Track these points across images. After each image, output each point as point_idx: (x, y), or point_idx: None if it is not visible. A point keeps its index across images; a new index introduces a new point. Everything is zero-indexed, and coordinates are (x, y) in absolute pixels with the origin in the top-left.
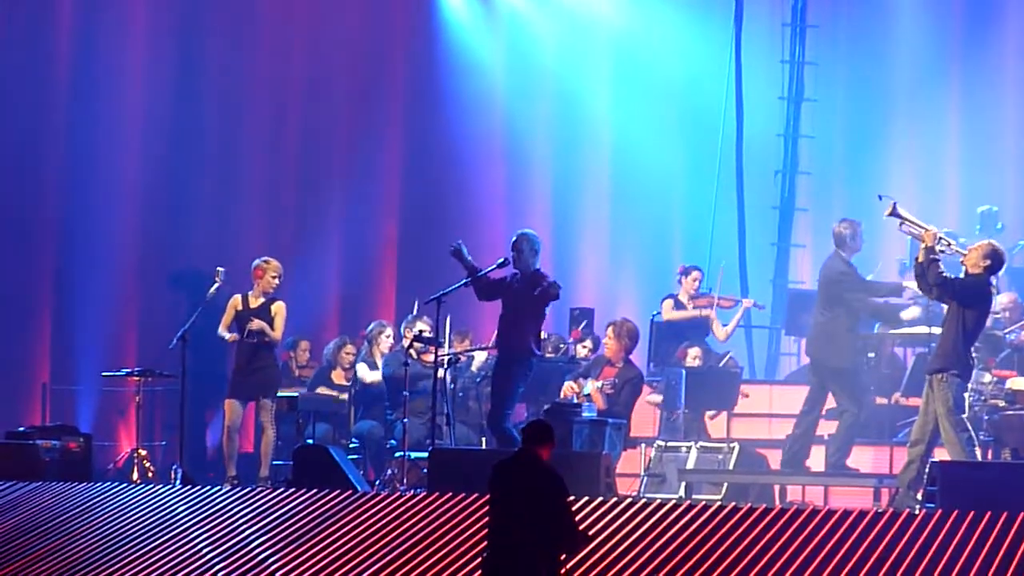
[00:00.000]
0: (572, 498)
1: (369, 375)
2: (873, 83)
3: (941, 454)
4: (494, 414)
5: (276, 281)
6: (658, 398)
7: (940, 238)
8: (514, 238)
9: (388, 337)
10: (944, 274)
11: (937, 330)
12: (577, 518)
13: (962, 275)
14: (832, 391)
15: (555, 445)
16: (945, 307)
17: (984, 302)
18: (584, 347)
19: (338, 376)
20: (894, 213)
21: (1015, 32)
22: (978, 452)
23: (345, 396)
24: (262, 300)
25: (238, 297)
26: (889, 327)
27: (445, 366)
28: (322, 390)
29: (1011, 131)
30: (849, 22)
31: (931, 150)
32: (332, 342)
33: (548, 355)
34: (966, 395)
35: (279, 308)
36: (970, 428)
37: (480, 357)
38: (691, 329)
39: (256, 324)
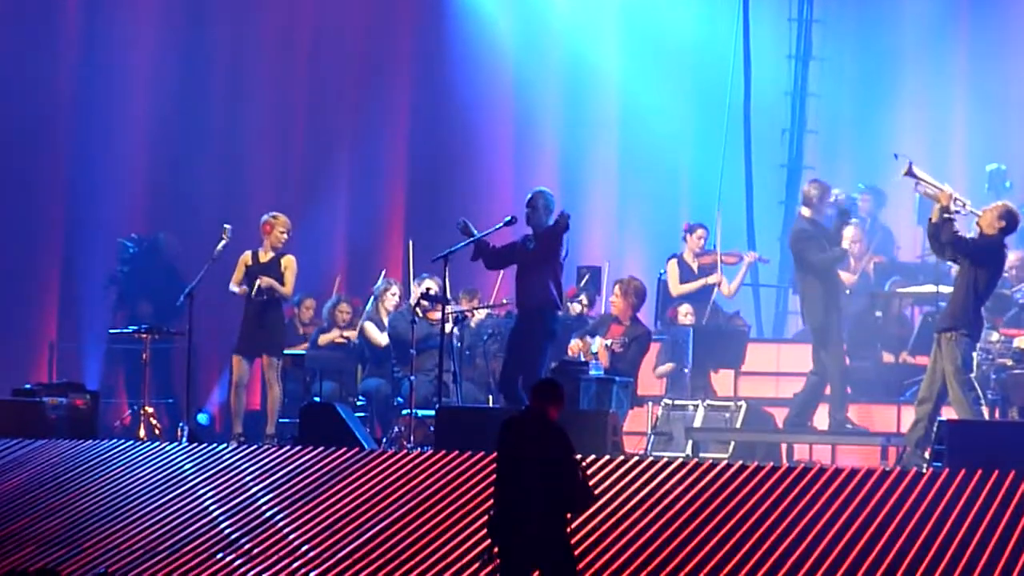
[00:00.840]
0: (580, 456)
1: (377, 336)
2: (881, 41)
3: (948, 413)
4: (507, 374)
5: (285, 236)
6: (667, 368)
7: (955, 198)
8: (530, 195)
9: (394, 295)
10: (959, 233)
11: (946, 289)
12: (587, 476)
13: (975, 235)
14: (816, 348)
15: (564, 404)
16: (956, 266)
17: (998, 262)
18: (580, 303)
19: (333, 336)
20: (910, 172)
21: None
22: (985, 411)
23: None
24: (272, 255)
25: (248, 253)
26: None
27: (452, 324)
28: (325, 338)
29: (1020, 89)
30: None
31: (939, 109)
32: (328, 301)
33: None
34: (974, 354)
35: (289, 262)
36: (977, 387)
37: (479, 315)
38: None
39: (265, 282)
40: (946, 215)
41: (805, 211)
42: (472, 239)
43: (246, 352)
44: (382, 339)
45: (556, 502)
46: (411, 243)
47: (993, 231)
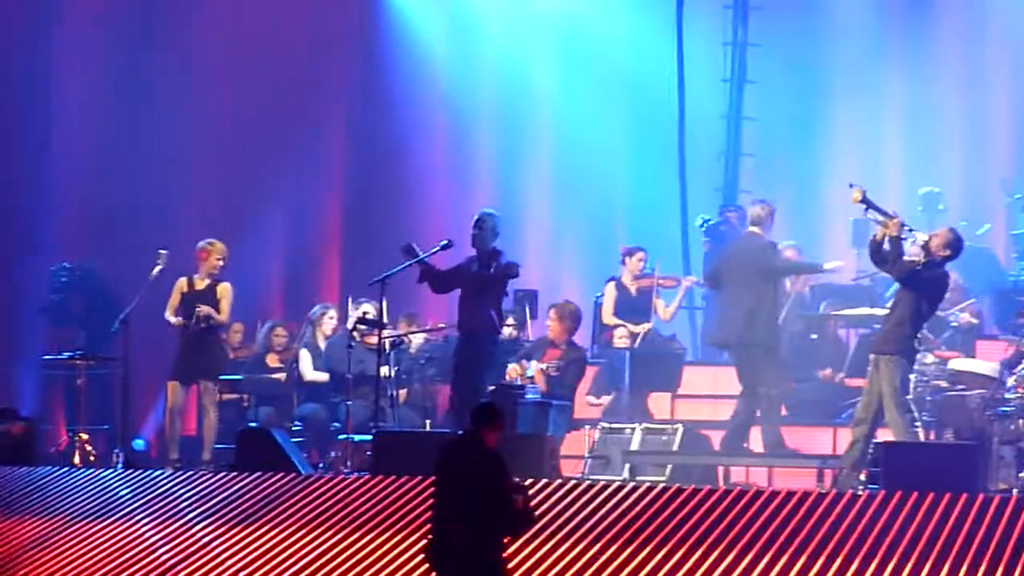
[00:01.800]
0: (527, 481)
1: (310, 372)
2: (815, 64)
3: (884, 434)
4: (455, 398)
5: (220, 263)
6: (601, 401)
7: (905, 226)
8: (477, 216)
9: (332, 319)
10: (907, 261)
11: (879, 311)
12: (529, 499)
13: (921, 258)
14: (758, 371)
15: (503, 428)
16: (897, 288)
17: (942, 291)
18: (508, 326)
19: (272, 360)
20: (864, 200)
21: (956, 12)
22: (920, 433)
23: (283, 376)
24: (207, 282)
25: (183, 280)
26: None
27: (388, 349)
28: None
29: (952, 112)
30: (791, 4)
31: (873, 131)
32: (263, 328)
33: None
34: (911, 377)
35: (225, 290)
36: (914, 409)
37: (417, 340)
38: (633, 310)
39: (203, 310)
40: (898, 244)
41: (756, 230)
42: (413, 260)
43: (182, 378)
44: (311, 374)
45: (491, 526)
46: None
47: (939, 257)
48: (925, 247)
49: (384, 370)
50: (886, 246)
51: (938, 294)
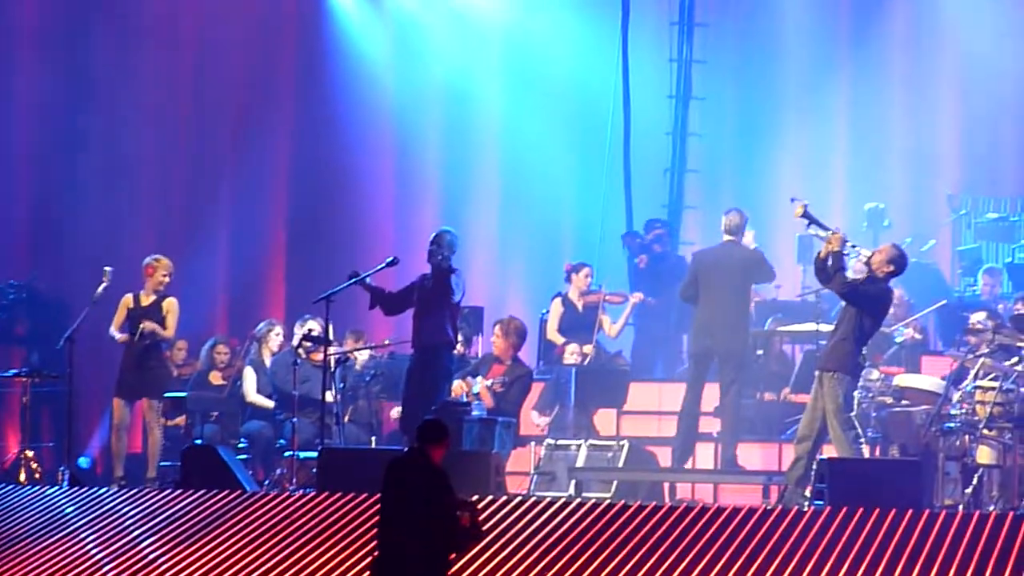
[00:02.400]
0: (474, 497)
1: (253, 395)
2: (761, 81)
3: (828, 451)
4: (410, 414)
5: (166, 279)
6: (545, 420)
7: (846, 241)
8: (435, 233)
9: (278, 335)
10: (849, 278)
11: (825, 327)
12: (477, 514)
13: (863, 276)
14: (731, 379)
15: (449, 444)
16: (842, 305)
17: (884, 306)
18: (461, 344)
19: (215, 377)
20: (805, 215)
21: (901, 30)
22: (865, 449)
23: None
24: (153, 298)
25: (129, 296)
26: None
27: (334, 366)
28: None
29: (898, 129)
30: (736, 20)
31: (819, 147)
32: (205, 345)
33: None
34: (855, 393)
35: (171, 305)
36: (857, 426)
37: (362, 357)
38: (580, 326)
39: (148, 326)
40: (839, 259)
41: (733, 238)
42: (357, 279)
43: (126, 395)
44: (254, 396)
45: (437, 543)
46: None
47: (882, 273)
48: (868, 263)
49: (329, 395)
50: (829, 261)
51: (881, 310)
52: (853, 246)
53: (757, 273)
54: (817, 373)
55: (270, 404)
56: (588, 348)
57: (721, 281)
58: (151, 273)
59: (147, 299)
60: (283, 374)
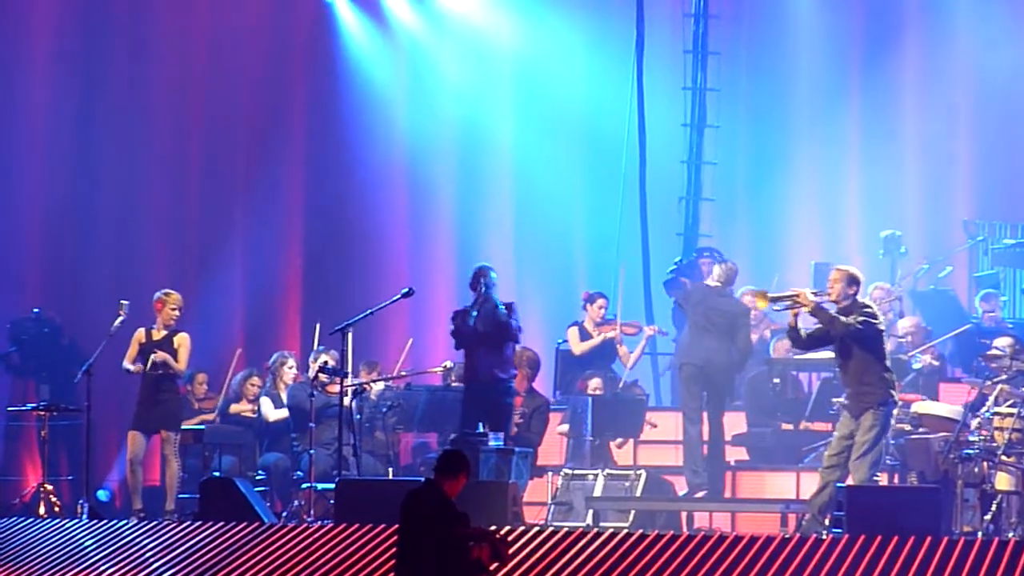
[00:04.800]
0: (492, 527)
1: (273, 413)
2: (775, 109)
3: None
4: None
5: (176, 313)
6: (565, 427)
7: (814, 293)
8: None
9: (291, 368)
10: (834, 316)
11: None
12: (500, 541)
13: (836, 310)
14: (718, 419)
15: (467, 476)
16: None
17: (870, 322)
18: None
19: (242, 407)
20: (772, 299)
21: (914, 57)
22: (883, 478)
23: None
24: (165, 333)
25: (141, 331)
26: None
27: (350, 397)
28: (236, 408)
29: (912, 155)
30: (750, 49)
31: (833, 175)
32: (240, 373)
33: (453, 384)
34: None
35: (182, 340)
36: (882, 463)
37: (377, 388)
38: (597, 356)
39: (160, 356)
40: (818, 307)
41: (724, 287)
42: (369, 312)
43: (143, 428)
44: (280, 414)
45: (448, 575)
46: (318, 325)
47: (848, 300)
48: (834, 301)
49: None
50: (805, 323)
51: (872, 327)
52: (817, 293)
53: (744, 319)
54: (857, 419)
55: (285, 412)
56: (616, 332)
57: (720, 325)
58: (160, 308)
59: (159, 334)
60: (301, 403)
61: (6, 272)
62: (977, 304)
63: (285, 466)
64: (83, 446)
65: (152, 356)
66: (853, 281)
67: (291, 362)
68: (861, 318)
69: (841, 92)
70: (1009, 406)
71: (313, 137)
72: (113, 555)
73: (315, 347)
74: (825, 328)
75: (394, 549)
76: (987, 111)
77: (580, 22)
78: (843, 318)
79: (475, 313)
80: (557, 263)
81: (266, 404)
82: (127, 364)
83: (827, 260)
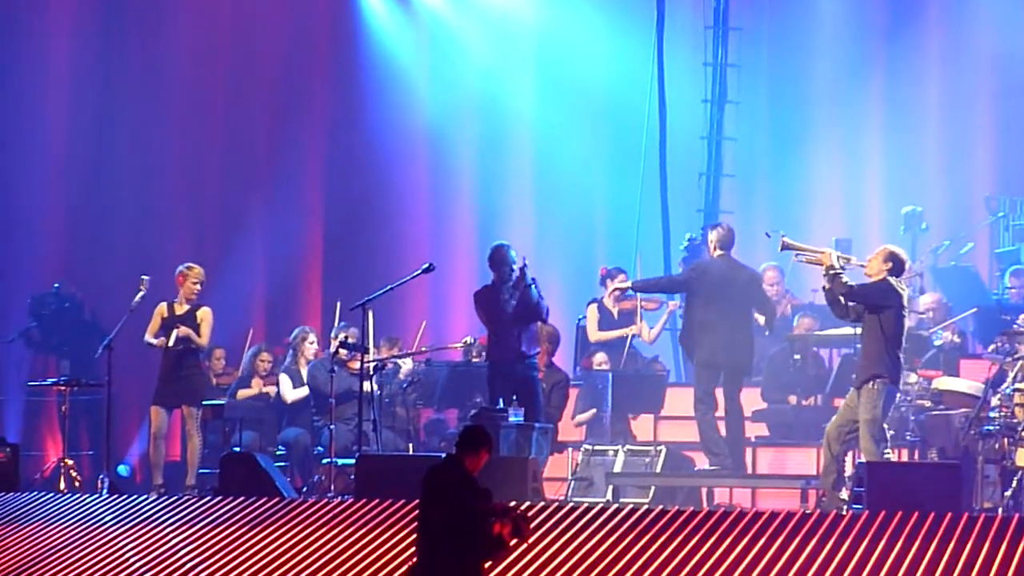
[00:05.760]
0: (513, 503)
1: (291, 393)
2: (796, 85)
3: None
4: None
5: (197, 287)
6: (588, 415)
7: (838, 256)
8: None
9: (312, 344)
10: (849, 284)
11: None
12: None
13: (865, 283)
14: (735, 393)
15: (488, 451)
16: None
17: (892, 300)
18: None
19: (256, 384)
20: (786, 247)
21: (937, 32)
22: (892, 456)
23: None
24: (187, 307)
25: (164, 305)
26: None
27: (371, 373)
28: (244, 393)
29: (934, 131)
30: (771, 24)
31: (854, 151)
32: (248, 351)
33: (474, 359)
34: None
35: (205, 314)
36: (888, 437)
37: (407, 365)
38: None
39: (183, 330)
40: (832, 272)
41: (725, 252)
42: (390, 287)
43: (165, 403)
44: (299, 393)
45: (468, 551)
46: (339, 303)
47: (881, 276)
48: (866, 272)
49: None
50: (827, 284)
51: (893, 307)
52: (847, 259)
53: (761, 297)
54: (855, 390)
55: (305, 391)
56: (632, 329)
57: (733, 298)
58: (182, 282)
59: (181, 308)
60: (322, 379)
61: (27, 247)
62: (1007, 280)
63: (305, 441)
64: (103, 421)
65: (175, 330)
66: (890, 258)
67: (312, 337)
68: (878, 293)
69: (863, 68)
70: None
71: (335, 114)
72: (133, 530)
73: (336, 323)
74: (837, 294)
75: (414, 524)
76: (1009, 87)
77: None
78: (849, 294)
79: (509, 296)
80: (577, 239)
81: (285, 382)
82: (149, 338)
83: (848, 236)
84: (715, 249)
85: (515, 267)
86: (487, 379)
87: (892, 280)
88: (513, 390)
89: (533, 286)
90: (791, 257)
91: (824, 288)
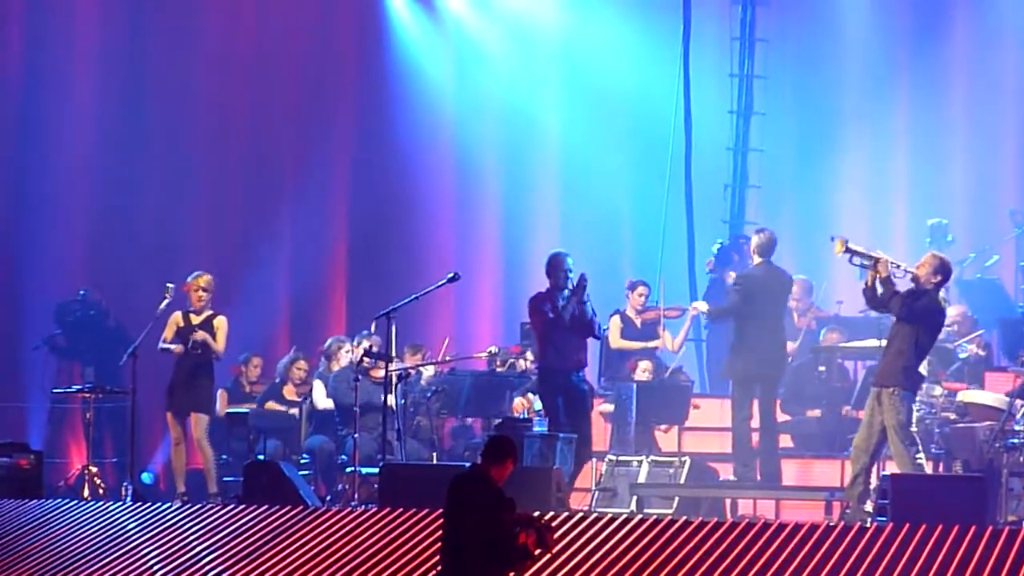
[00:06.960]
0: (537, 513)
1: (322, 401)
2: (821, 96)
3: (891, 467)
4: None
5: (204, 295)
6: (610, 407)
7: (892, 264)
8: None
9: (348, 352)
10: (899, 293)
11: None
12: (544, 527)
13: (913, 290)
14: (770, 405)
15: (513, 461)
16: (893, 319)
17: (937, 318)
18: (526, 360)
19: (289, 392)
20: (848, 250)
21: (962, 45)
22: (927, 465)
23: (295, 411)
24: (203, 316)
25: (178, 314)
26: None
27: (395, 382)
28: (271, 405)
29: (959, 144)
30: (797, 36)
31: (880, 163)
32: (286, 357)
33: (498, 369)
34: (916, 409)
35: (220, 323)
36: (918, 441)
37: (429, 372)
38: (640, 340)
39: (200, 335)
40: (889, 282)
41: (764, 260)
42: (417, 295)
43: (176, 410)
44: (323, 402)
45: (492, 561)
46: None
47: (931, 285)
48: (914, 279)
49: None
50: (879, 289)
51: (936, 323)
52: (898, 266)
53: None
54: (875, 390)
55: (330, 404)
56: (656, 343)
57: (770, 307)
58: (188, 291)
59: (197, 318)
60: (344, 390)
61: (52, 254)
62: None
63: (329, 450)
64: (128, 429)
65: (192, 335)
66: (939, 271)
67: (348, 346)
68: (922, 308)
69: (889, 80)
70: None
71: (360, 122)
72: (156, 538)
73: (371, 331)
74: (885, 301)
75: (439, 534)
76: None
77: (627, 9)
78: (904, 302)
79: (566, 303)
80: (603, 250)
81: (318, 389)
82: (164, 344)
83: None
84: (754, 255)
85: (571, 274)
86: (539, 384)
87: (941, 297)
88: (566, 400)
89: (589, 303)
90: (845, 258)
91: (867, 285)
